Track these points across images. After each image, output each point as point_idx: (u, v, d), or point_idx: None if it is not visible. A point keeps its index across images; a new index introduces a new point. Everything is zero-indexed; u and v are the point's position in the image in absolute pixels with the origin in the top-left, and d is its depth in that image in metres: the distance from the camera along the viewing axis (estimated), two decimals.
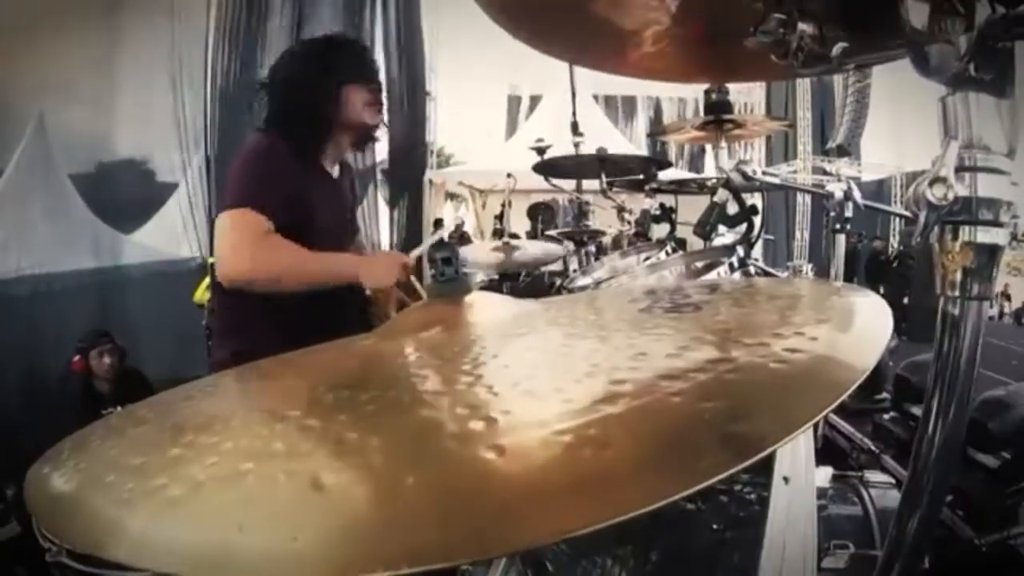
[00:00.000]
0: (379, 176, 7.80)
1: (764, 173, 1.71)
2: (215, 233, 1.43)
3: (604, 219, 3.64)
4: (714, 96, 2.20)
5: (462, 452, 0.37)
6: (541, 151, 3.02)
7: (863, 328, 0.51)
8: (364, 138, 1.67)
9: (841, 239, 1.76)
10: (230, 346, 1.57)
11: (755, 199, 1.81)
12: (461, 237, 9.35)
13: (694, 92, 9.85)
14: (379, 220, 7.66)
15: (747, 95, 10.43)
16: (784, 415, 0.37)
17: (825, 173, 9.61)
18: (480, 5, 0.70)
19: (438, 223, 10.31)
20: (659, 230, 2.69)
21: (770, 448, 0.33)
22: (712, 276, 1.59)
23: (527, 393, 0.47)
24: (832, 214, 1.69)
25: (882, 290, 7.53)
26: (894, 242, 9.71)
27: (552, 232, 4.31)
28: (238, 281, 1.39)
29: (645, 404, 0.39)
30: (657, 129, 12.26)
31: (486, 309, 0.66)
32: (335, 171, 1.66)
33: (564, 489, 0.33)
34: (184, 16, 5.17)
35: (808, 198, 10.01)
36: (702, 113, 2.32)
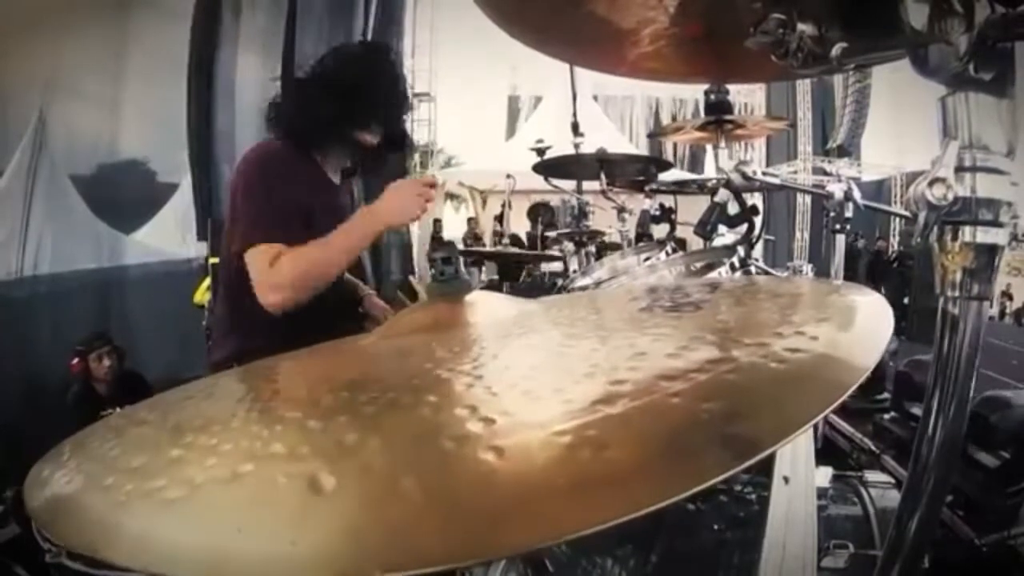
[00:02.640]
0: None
1: (764, 173, 1.71)
2: (249, 267, 1.44)
3: (604, 219, 3.63)
4: (714, 96, 2.20)
5: (461, 454, 0.37)
6: (541, 151, 3.02)
7: (864, 328, 0.51)
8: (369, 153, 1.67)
9: (841, 239, 1.76)
10: (229, 346, 1.57)
11: (756, 199, 1.81)
12: (476, 238, 9.31)
13: (694, 92, 9.85)
14: None
15: (747, 95, 10.45)
16: (784, 415, 0.37)
17: (825, 173, 9.61)
18: (479, 5, 0.70)
19: (437, 223, 10.29)
20: (659, 230, 2.69)
21: (769, 449, 0.33)
22: (712, 276, 1.59)
23: (527, 394, 0.46)
24: (832, 214, 1.69)
25: (883, 291, 7.52)
26: (894, 242, 9.71)
27: (552, 233, 4.31)
28: (284, 307, 1.42)
29: (645, 405, 0.38)
30: (657, 129, 12.25)
31: (486, 309, 0.66)
32: (336, 178, 1.66)
33: (563, 490, 0.33)
34: (184, 16, 5.17)
35: (808, 198, 10.01)
36: (702, 113, 2.32)
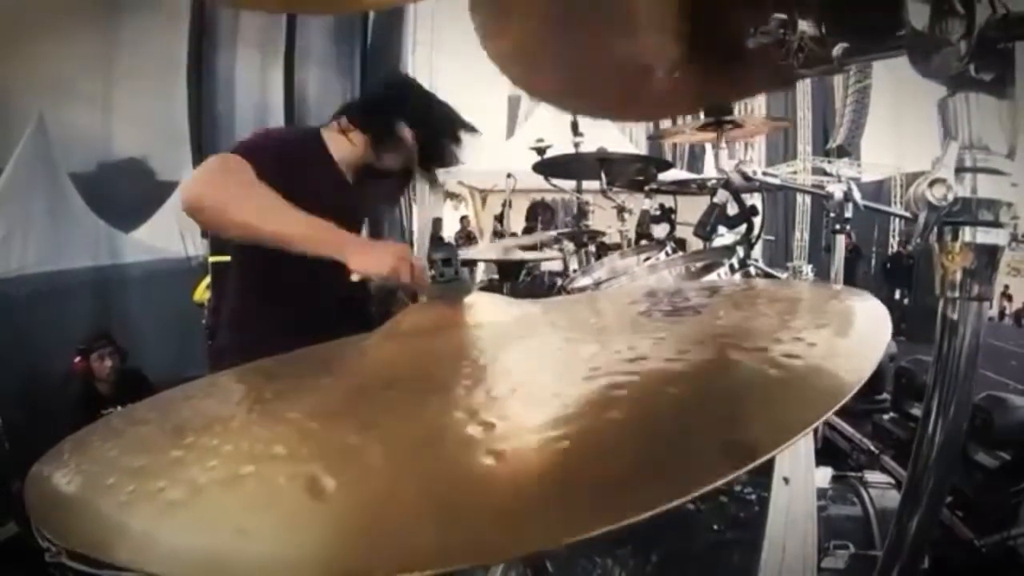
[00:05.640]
0: None
1: (764, 173, 1.71)
2: (204, 163, 1.29)
3: (604, 219, 3.63)
4: None
5: (461, 457, 0.37)
6: (541, 151, 3.02)
7: (862, 333, 0.51)
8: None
9: (841, 240, 1.76)
10: (229, 345, 1.58)
11: (756, 199, 1.81)
12: (468, 237, 9.30)
13: None
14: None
15: None
16: (781, 421, 0.37)
17: (825, 173, 9.59)
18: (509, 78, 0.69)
19: (438, 222, 10.28)
20: (659, 230, 2.69)
21: (767, 455, 0.33)
22: (712, 277, 1.59)
23: (526, 397, 0.46)
24: (832, 215, 1.69)
25: (897, 294, 7.47)
26: (894, 243, 9.70)
27: (552, 232, 4.30)
28: (191, 204, 1.21)
29: (643, 409, 0.38)
30: (657, 130, 12.24)
31: (486, 311, 0.66)
32: (350, 177, 1.63)
33: (561, 495, 0.33)
34: (184, 15, 5.17)
35: (808, 198, 10.01)
36: (703, 114, 2.32)
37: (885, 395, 2.70)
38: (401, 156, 1.59)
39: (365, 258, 1.22)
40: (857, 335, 0.50)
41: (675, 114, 0.81)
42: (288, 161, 1.38)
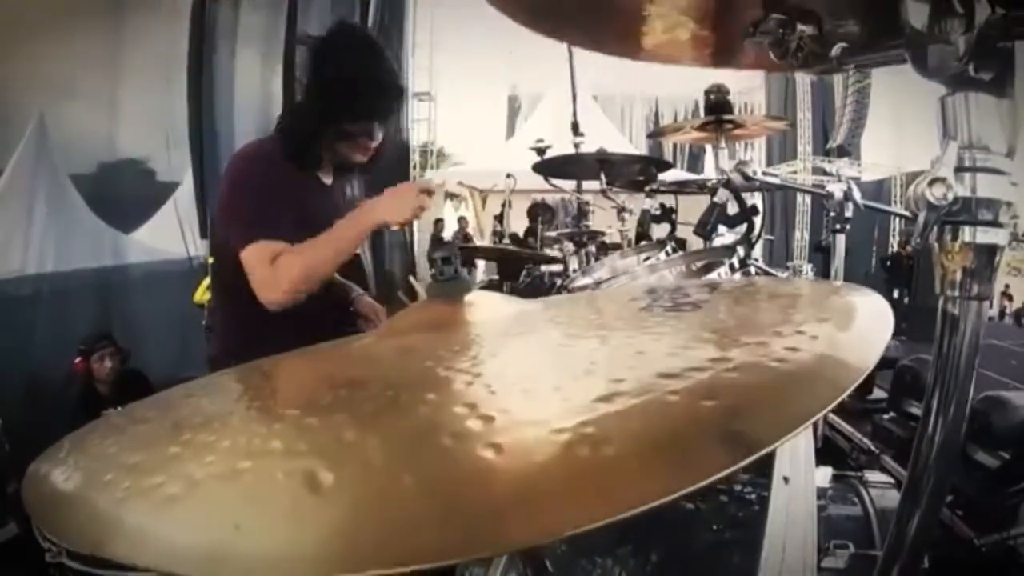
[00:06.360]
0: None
1: (764, 173, 1.71)
2: (247, 265, 1.44)
3: (604, 219, 3.64)
4: (714, 96, 2.20)
5: (460, 451, 0.37)
6: (541, 151, 3.02)
7: (863, 327, 0.51)
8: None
9: (841, 239, 1.76)
10: (226, 345, 1.58)
11: (756, 199, 1.81)
12: (465, 238, 9.31)
13: (694, 92, 9.84)
14: None
15: (747, 95, 10.44)
16: (783, 414, 0.37)
17: (825, 173, 9.58)
18: None
19: (438, 223, 10.29)
20: (659, 230, 2.69)
21: (769, 447, 0.33)
22: (712, 276, 1.59)
23: (525, 392, 0.46)
24: (832, 214, 1.69)
25: (897, 293, 7.47)
26: (894, 243, 9.69)
27: (552, 233, 4.31)
28: (284, 305, 1.43)
29: (644, 403, 0.38)
30: (657, 129, 12.23)
31: (486, 308, 0.66)
32: (328, 179, 1.65)
33: (561, 488, 0.33)
34: (184, 15, 5.17)
35: (808, 198, 10.01)
36: (702, 113, 2.32)
37: (877, 395, 2.71)
38: (361, 146, 1.58)
39: (394, 210, 1.43)
40: (858, 329, 0.50)
41: (668, 62, 0.79)
42: (280, 187, 1.47)
